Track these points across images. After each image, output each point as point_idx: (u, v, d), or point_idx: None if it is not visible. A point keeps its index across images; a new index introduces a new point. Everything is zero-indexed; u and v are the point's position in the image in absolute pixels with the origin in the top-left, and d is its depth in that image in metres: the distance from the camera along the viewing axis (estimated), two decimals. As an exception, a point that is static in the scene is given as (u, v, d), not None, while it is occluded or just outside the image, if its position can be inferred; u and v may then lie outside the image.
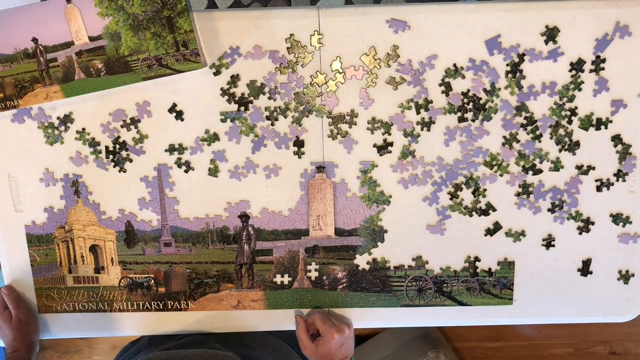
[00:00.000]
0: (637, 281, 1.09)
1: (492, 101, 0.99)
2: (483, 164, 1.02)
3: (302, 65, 0.98)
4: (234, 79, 0.99)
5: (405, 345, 1.81)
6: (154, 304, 1.10)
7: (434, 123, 1.01)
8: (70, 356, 2.13)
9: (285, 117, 1.01)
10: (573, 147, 1.02)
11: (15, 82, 0.97)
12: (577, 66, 0.98)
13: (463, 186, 1.04)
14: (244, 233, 1.07)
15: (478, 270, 1.08)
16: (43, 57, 0.95)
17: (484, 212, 1.05)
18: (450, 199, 1.04)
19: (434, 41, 0.97)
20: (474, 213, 1.05)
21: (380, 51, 0.98)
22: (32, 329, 1.10)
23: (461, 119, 1.00)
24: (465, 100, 0.99)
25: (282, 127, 1.02)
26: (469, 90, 0.99)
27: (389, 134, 1.01)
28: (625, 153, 1.02)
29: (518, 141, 1.01)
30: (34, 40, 0.94)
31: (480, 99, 0.99)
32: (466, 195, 1.04)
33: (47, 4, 0.93)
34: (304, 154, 1.03)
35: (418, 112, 1.00)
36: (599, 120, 1.01)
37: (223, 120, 1.01)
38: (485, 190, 1.04)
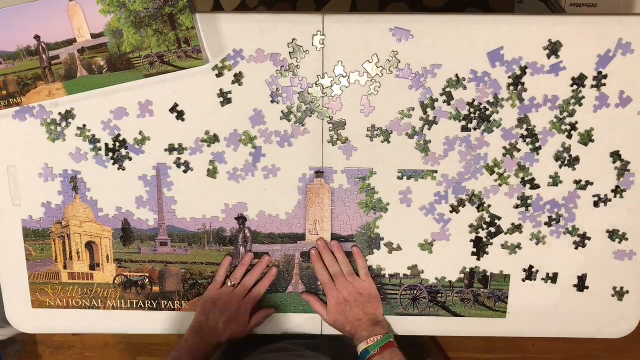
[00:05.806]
0: (631, 298, 1.09)
1: (497, 112, 0.99)
2: (485, 168, 1.02)
3: (303, 70, 0.98)
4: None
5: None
6: (148, 302, 1.10)
7: (436, 124, 1.01)
8: (63, 352, 2.12)
9: (289, 120, 1.01)
10: (572, 162, 1.02)
11: (18, 80, 0.97)
12: (578, 81, 0.98)
13: (467, 203, 1.04)
14: (241, 235, 1.07)
15: (473, 282, 1.08)
16: (45, 54, 0.96)
17: (492, 228, 1.05)
18: (451, 212, 1.05)
19: (437, 51, 0.97)
20: (479, 230, 1.05)
21: (382, 59, 0.98)
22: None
23: (465, 128, 1.01)
24: (472, 110, 1.00)
25: (283, 130, 1.02)
26: (474, 100, 0.99)
27: (389, 142, 1.02)
28: (624, 170, 1.02)
29: (518, 150, 1.02)
30: (37, 37, 0.95)
31: (488, 109, 1.00)
32: (469, 211, 1.04)
33: (50, 1, 0.93)
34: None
35: (425, 113, 1.00)
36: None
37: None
38: (489, 206, 1.04)
